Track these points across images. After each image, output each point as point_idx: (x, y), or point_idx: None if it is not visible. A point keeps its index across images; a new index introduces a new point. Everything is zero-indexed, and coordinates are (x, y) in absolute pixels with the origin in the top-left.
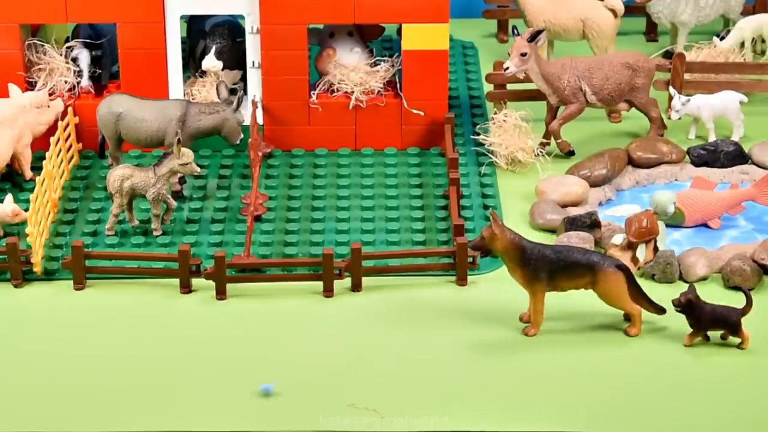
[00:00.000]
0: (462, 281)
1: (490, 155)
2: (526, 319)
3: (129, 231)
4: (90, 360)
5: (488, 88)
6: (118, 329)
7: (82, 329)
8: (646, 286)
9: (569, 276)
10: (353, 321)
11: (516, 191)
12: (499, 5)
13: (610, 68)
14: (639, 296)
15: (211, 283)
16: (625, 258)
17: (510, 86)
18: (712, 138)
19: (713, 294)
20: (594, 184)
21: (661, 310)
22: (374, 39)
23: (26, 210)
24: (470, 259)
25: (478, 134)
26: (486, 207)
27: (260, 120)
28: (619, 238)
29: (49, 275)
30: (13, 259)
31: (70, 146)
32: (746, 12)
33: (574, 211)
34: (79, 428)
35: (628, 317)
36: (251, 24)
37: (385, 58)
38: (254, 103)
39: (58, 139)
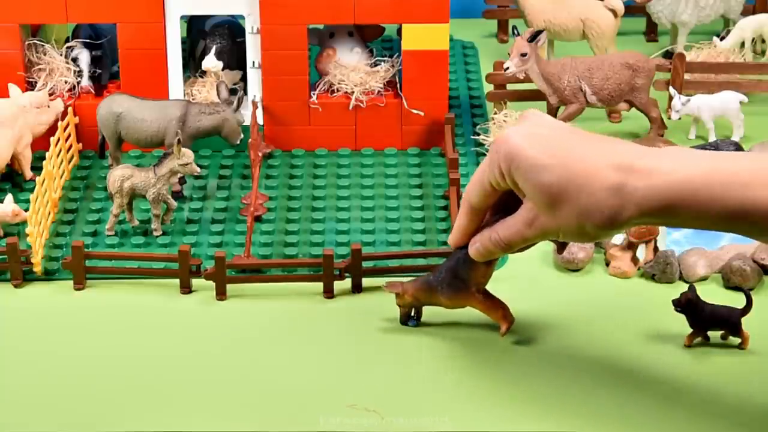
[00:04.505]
0: None
1: None
2: (504, 332)
3: (129, 231)
4: (90, 360)
5: (488, 88)
6: (118, 329)
7: (82, 329)
8: (646, 286)
9: (474, 267)
10: (353, 321)
11: None
12: (499, 5)
13: (610, 68)
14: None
15: (211, 283)
16: (625, 258)
17: (510, 86)
18: (712, 138)
19: (713, 294)
20: None
21: (562, 247)
22: (374, 39)
23: (26, 210)
24: None
25: (478, 134)
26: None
27: (260, 120)
28: (619, 238)
29: (49, 275)
30: (13, 259)
31: (70, 146)
32: (746, 12)
33: None
34: (79, 428)
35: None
36: (251, 24)
37: (385, 58)
38: (254, 103)
39: (58, 139)
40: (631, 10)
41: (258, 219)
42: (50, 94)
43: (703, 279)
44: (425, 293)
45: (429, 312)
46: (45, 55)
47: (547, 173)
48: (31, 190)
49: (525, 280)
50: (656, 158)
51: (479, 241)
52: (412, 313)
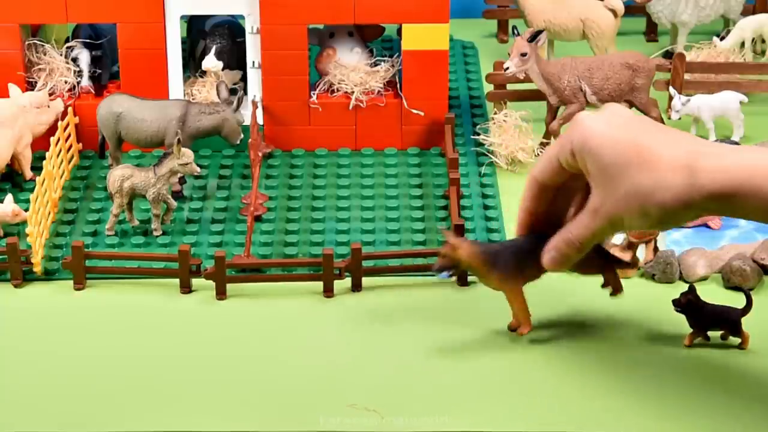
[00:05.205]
0: (462, 281)
1: (490, 155)
2: (514, 326)
3: (129, 231)
4: (90, 360)
5: (488, 88)
6: (118, 329)
7: (82, 329)
8: (646, 286)
9: (536, 260)
10: (353, 321)
11: (516, 191)
12: (499, 5)
13: (610, 68)
14: (609, 259)
15: (211, 283)
16: (624, 258)
17: (510, 86)
18: (712, 138)
19: (713, 294)
20: None
21: (631, 264)
22: (374, 39)
23: (26, 210)
24: None
25: (478, 134)
26: (486, 207)
27: (260, 120)
28: (619, 238)
29: (49, 275)
30: (13, 259)
31: (70, 146)
32: (746, 12)
33: None
34: (79, 428)
35: (606, 284)
36: (251, 24)
37: (385, 58)
38: (254, 103)
39: (58, 139)
40: (631, 10)
41: (258, 219)
42: (50, 94)
43: (703, 279)
44: (480, 259)
45: (428, 312)
46: (45, 55)
47: (616, 149)
48: (31, 190)
49: None
50: (723, 147)
51: (553, 247)
52: (446, 269)
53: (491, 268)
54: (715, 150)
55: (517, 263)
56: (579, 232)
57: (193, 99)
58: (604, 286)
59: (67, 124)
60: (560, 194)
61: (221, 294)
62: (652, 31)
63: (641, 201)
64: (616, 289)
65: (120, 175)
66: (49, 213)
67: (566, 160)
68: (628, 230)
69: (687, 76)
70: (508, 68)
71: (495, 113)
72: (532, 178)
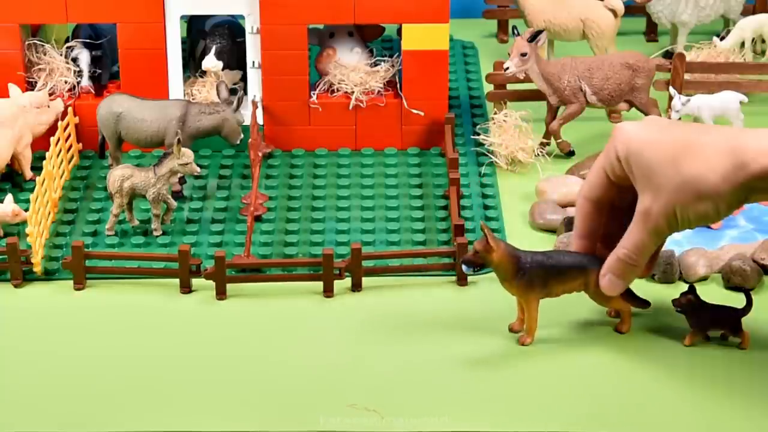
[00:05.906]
0: (462, 281)
1: (490, 155)
2: (515, 329)
3: (129, 231)
4: (90, 360)
5: (488, 88)
6: (118, 329)
7: (82, 329)
8: (646, 286)
9: (562, 280)
10: (353, 321)
11: (516, 191)
12: (499, 5)
13: (610, 68)
14: (626, 293)
15: (211, 283)
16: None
17: (510, 86)
18: None
19: (713, 294)
20: None
21: (645, 304)
22: (374, 39)
23: (26, 210)
24: None
25: (478, 134)
26: (486, 207)
27: (260, 120)
28: None
29: (49, 275)
30: (13, 259)
31: (70, 146)
32: (746, 12)
33: (573, 211)
34: (78, 428)
35: (617, 314)
36: (251, 24)
37: (385, 58)
38: (254, 103)
39: (58, 139)
40: (631, 10)
41: (258, 219)
42: (50, 94)
43: (703, 279)
44: (506, 261)
45: (428, 312)
46: (45, 55)
47: (659, 147)
48: (31, 190)
49: None
50: (763, 130)
51: (608, 269)
52: (473, 265)
53: (517, 277)
54: (755, 132)
55: (545, 278)
56: (630, 241)
57: (193, 99)
58: (612, 315)
59: (67, 124)
60: (612, 218)
61: (221, 294)
62: (652, 31)
63: (694, 188)
64: (624, 325)
65: (120, 175)
66: (49, 213)
67: (613, 170)
68: (681, 228)
69: (687, 76)
70: (508, 68)
71: (495, 113)
72: (582, 198)
